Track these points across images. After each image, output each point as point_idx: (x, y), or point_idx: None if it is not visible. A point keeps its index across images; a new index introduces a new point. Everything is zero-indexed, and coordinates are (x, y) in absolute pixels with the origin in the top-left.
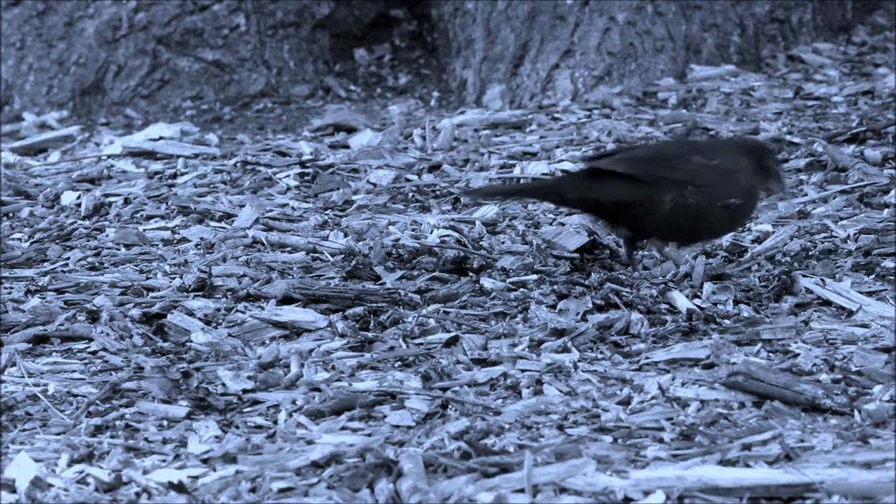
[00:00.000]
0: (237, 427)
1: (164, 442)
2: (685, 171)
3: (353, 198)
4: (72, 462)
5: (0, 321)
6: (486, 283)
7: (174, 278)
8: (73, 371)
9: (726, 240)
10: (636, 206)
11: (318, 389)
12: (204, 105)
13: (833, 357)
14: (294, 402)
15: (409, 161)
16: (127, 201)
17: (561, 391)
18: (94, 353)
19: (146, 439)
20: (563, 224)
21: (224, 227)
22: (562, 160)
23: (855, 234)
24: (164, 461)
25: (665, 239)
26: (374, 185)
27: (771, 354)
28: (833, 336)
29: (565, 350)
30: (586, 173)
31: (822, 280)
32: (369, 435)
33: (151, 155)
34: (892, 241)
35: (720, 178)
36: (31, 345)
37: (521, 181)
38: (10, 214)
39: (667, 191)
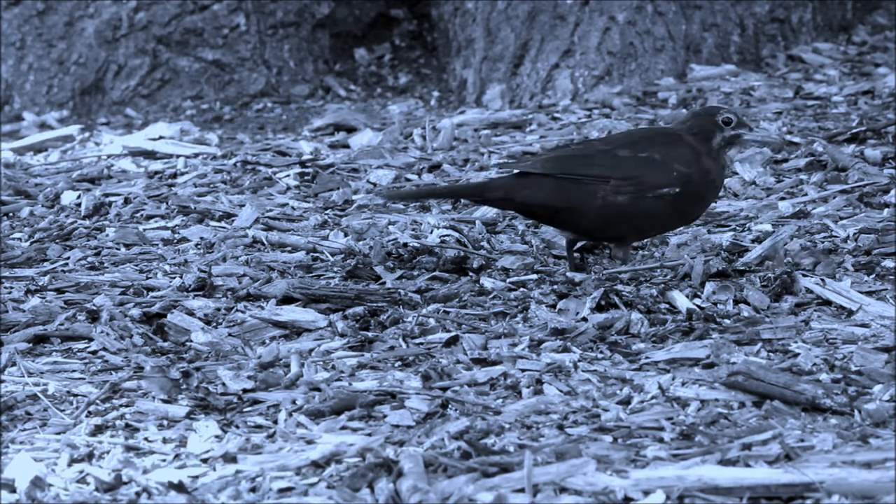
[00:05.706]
0: (237, 427)
1: (164, 442)
2: (604, 165)
3: (353, 197)
4: (72, 462)
5: (0, 321)
6: (486, 282)
7: (174, 278)
8: (73, 371)
9: (726, 239)
10: (559, 206)
11: (318, 389)
12: (204, 105)
13: (833, 357)
14: (294, 402)
15: (409, 161)
16: (127, 201)
17: (561, 391)
18: (94, 352)
19: (146, 439)
20: None
21: (224, 227)
22: None
23: (855, 233)
24: (164, 461)
25: (604, 237)
26: (374, 184)
27: (771, 354)
28: (833, 336)
29: (565, 350)
30: (514, 174)
31: (822, 280)
32: (369, 435)
33: (151, 155)
34: (892, 241)
35: (647, 169)
36: (31, 344)
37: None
38: (10, 214)
39: (589, 188)
